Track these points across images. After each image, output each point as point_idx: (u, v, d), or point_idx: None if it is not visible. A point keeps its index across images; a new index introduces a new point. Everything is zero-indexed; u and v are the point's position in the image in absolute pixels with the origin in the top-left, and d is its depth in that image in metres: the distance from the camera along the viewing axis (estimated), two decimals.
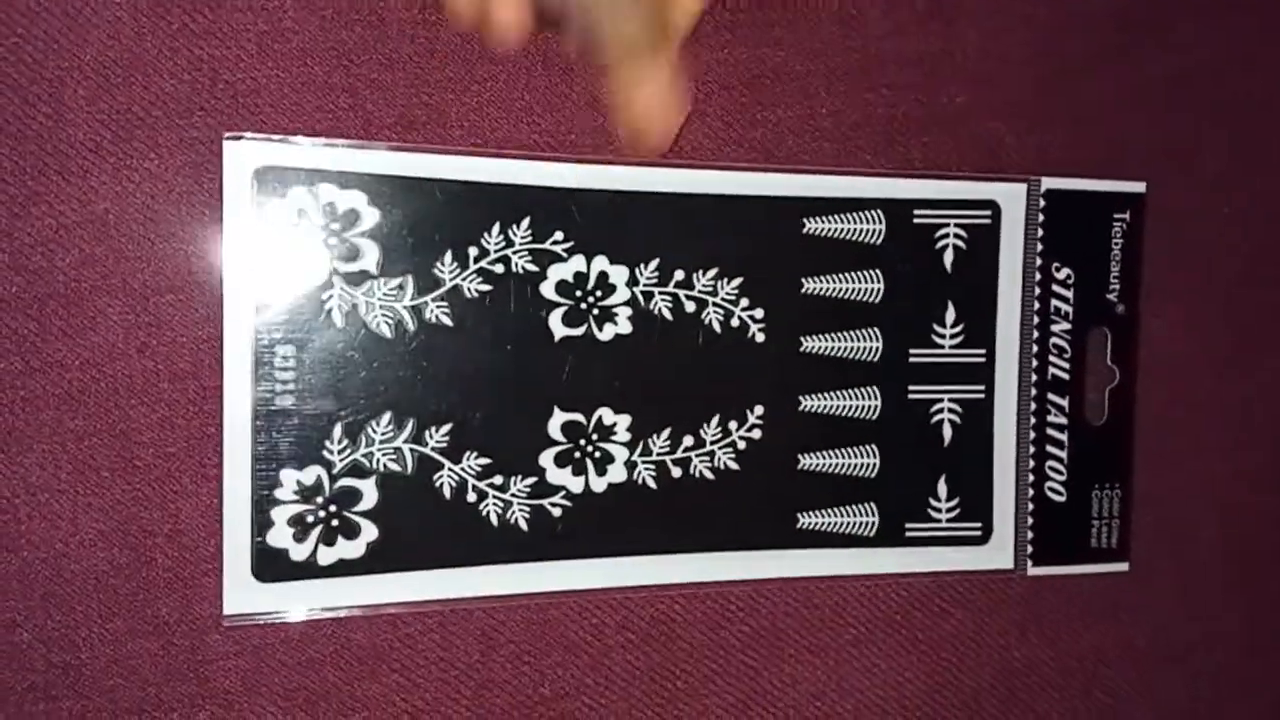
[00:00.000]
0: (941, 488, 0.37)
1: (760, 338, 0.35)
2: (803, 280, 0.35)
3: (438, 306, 0.32)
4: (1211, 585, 0.40)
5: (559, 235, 0.33)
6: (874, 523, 0.36)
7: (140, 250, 0.31)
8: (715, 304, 0.34)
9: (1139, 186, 0.38)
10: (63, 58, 0.30)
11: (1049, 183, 0.37)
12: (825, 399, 0.35)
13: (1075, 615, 0.39)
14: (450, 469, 0.32)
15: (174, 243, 0.31)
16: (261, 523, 0.31)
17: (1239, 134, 0.39)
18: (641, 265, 0.34)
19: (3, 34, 0.30)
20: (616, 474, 0.34)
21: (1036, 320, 0.37)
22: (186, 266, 0.31)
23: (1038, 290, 0.37)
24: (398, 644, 0.33)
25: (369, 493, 0.32)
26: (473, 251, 0.32)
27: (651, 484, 0.34)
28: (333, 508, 0.32)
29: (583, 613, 0.34)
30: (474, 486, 0.33)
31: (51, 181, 0.30)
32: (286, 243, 0.31)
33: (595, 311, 0.33)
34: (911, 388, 0.36)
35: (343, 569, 0.32)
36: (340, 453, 0.32)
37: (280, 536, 0.31)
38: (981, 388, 0.37)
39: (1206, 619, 0.40)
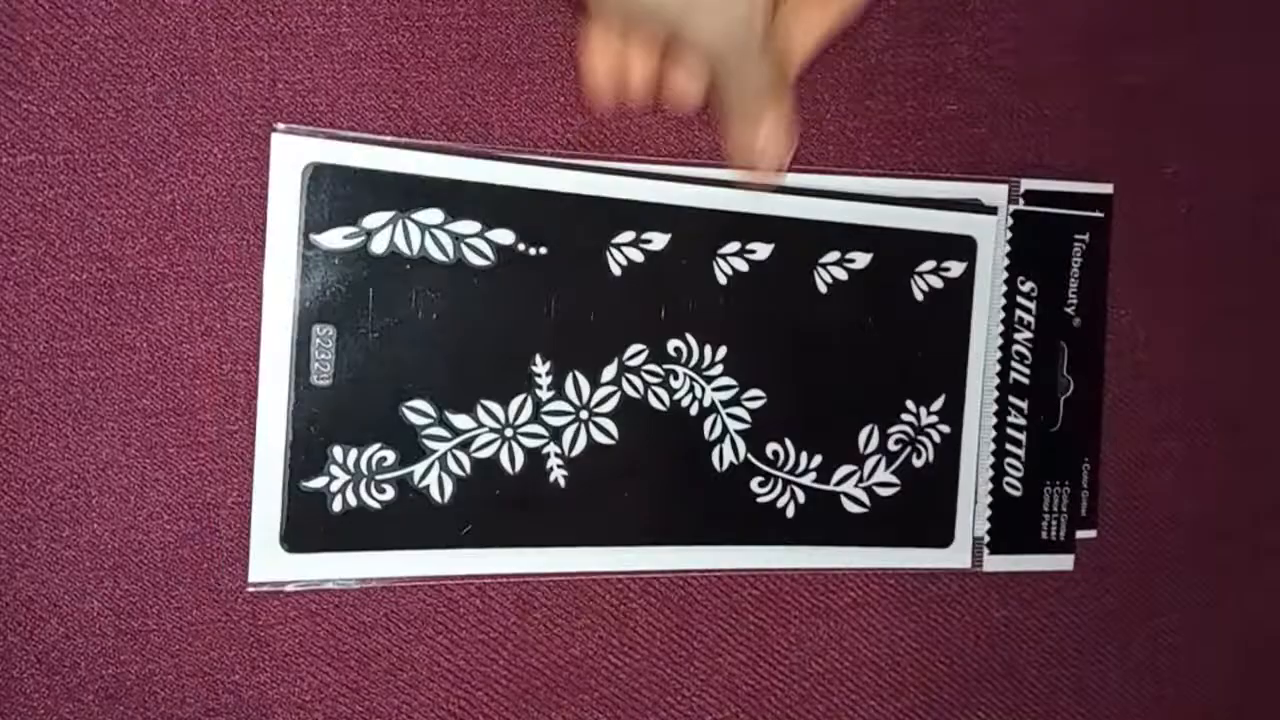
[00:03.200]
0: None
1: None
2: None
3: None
4: (1176, 551, 0.44)
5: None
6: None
7: (205, 239, 0.33)
8: None
9: (1107, 188, 0.42)
10: (133, 56, 0.32)
11: (1015, 207, 0.40)
12: None
13: (1047, 579, 0.42)
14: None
15: (237, 233, 0.33)
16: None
17: (1202, 141, 0.43)
18: None
19: (77, 33, 0.31)
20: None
21: (1001, 329, 0.41)
22: (248, 255, 0.33)
23: (1003, 300, 0.41)
24: (441, 609, 0.35)
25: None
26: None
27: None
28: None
29: (608, 580, 0.37)
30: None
31: (122, 173, 0.32)
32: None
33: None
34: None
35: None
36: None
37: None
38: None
39: (1167, 582, 0.44)
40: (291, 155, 0.33)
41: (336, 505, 0.34)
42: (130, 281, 0.32)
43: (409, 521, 0.34)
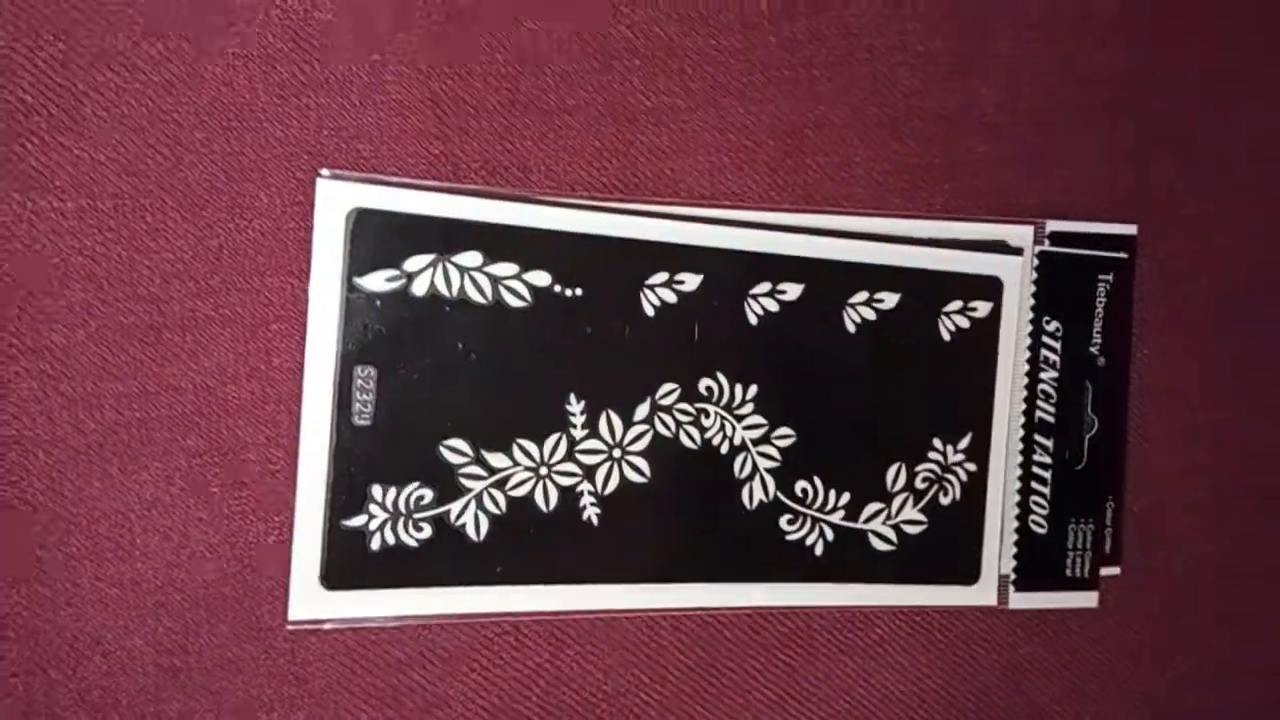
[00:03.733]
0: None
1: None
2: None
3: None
4: (1199, 593, 0.45)
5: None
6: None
7: (250, 282, 0.33)
8: None
9: (1130, 229, 0.42)
10: (181, 103, 0.32)
11: (1041, 248, 0.41)
12: None
13: (1067, 617, 0.43)
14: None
15: (281, 276, 0.33)
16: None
17: (1225, 183, 0.44)
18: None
19: (128, 80, 0.32)
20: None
21: (1027, 368, 0.41)
22: (292, 298, 0.33)
23: (1029, 340, 0.41)
24: (475, 646, 0.36)
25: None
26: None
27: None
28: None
29: (639, 617, 0.37)
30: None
31: (169, 217, 0.32)
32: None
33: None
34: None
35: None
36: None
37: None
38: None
39: (1193, 622, 0.45)
40: (336, 200, 0.33)
41: (375, 544, 0.34)
42: (177, 324, 0.33)
43: (446, 559, 0.35)
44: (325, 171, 0.33)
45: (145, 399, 0.33)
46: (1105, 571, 0.43)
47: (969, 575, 0.41)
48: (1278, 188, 0.45)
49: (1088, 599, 0.43)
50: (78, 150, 0.32)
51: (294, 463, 0.33)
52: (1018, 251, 0.40)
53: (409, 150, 0.34)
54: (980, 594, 0.41)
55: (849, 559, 0.39)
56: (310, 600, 0.34)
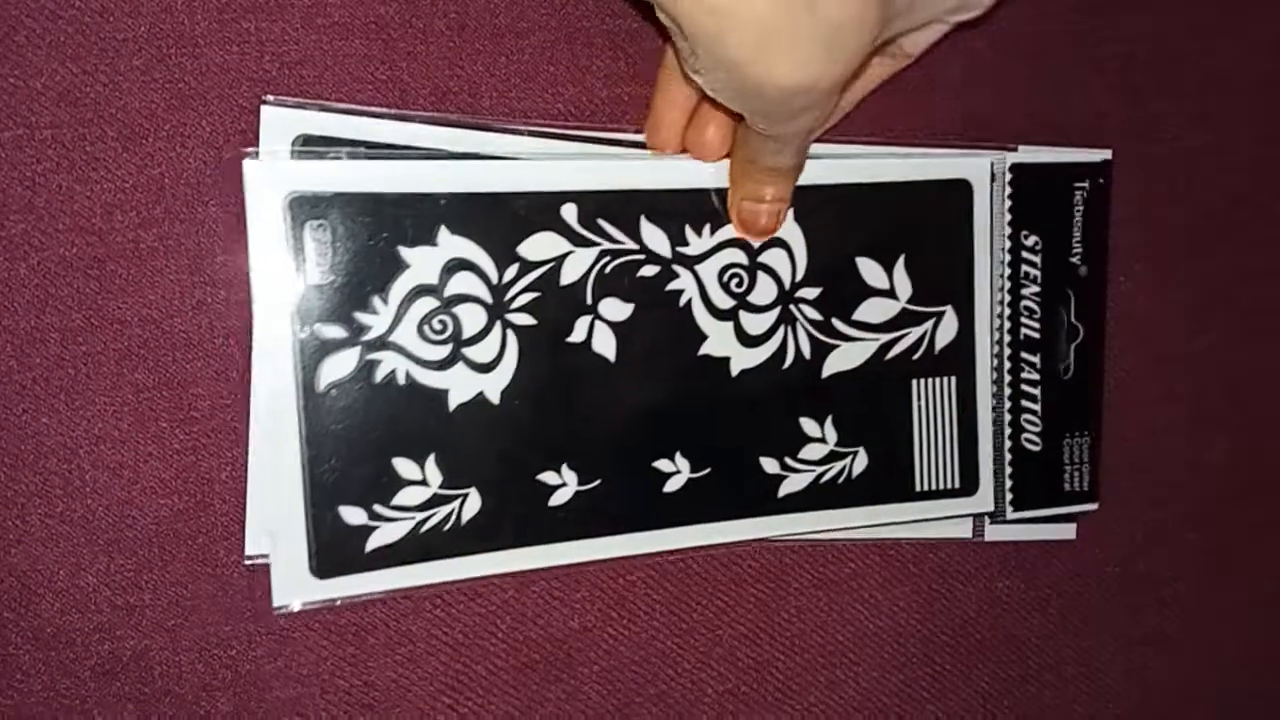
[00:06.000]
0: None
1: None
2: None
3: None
4: (1178, 521, 0.44)
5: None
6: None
7: (194, 212, 0.32)
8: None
9: (1105, 154, 0.41)
10: (119, 30, 0.32)
11: (1013, 157, 0.40)
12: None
13: (1048, 548, 0.42)
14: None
15: (226, 205, 0.33)
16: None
17: (1200, 108, 0.43)
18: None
19: (63, 6, 0.31)
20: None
21: (1008, 285, 0.40)
22: (238, 228, 0.33)
23: (1008, 257, 0.40)
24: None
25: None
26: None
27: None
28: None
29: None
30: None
31: (109, 147, 0.32)
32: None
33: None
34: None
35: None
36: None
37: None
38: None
39: (1172, 550, 0.44)
40: (281, 126, 0.32)
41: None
42: (120, 255, 0.32)
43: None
44: (270, 97, 0.32)
45: (90, 333, 0.32)
46: (1082, 508, 0.42)
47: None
48: (1253, 114, 0.44)
49: (1066, 531, 0.42)
50: (13, 79, 0.31)
51: (244, 397, 0.33)
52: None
53: (355, 75, 0.33)
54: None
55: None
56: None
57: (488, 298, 0.34)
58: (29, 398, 0.32)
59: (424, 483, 0.34)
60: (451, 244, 0.33)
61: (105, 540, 0.32)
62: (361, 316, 0.33)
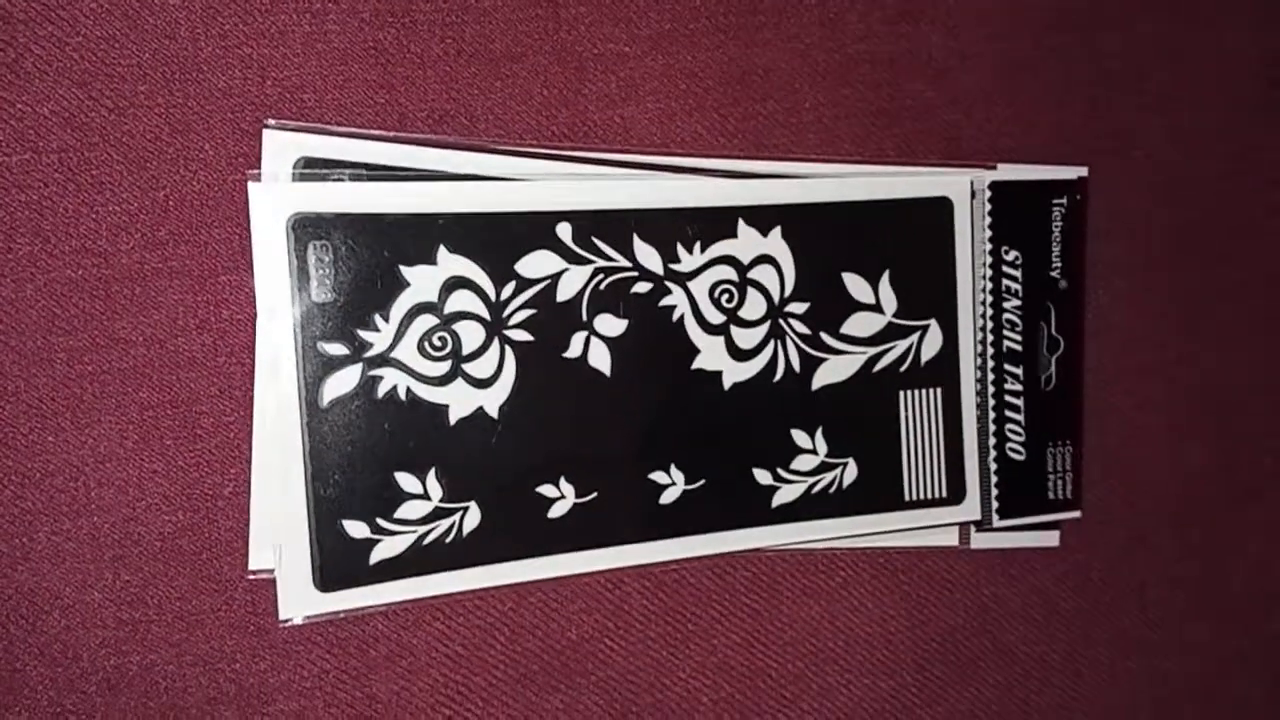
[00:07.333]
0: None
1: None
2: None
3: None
4: (1160, 527, 0.45)
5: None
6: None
7: (197, 234, 0.33)
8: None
9: (1081, 171, 0.43)
10: (124, 56, 0.32)
11: (992, 175, 0.41)
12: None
13: (1033, 555, 0.43)
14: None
15: (229, 227, 0.33)
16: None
17: (1173, 122, 0.44)
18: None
19: (69, 34, 0.32)
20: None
21: (990, 299, 0.41)
22: (241, 248, 0.33)
23: (990, 272, 0.42)
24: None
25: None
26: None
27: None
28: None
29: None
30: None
31: (115, 170, 0.32)
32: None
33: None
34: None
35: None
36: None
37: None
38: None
39: (1153, 555, 0.45)
40: (283, 149, 0.33)
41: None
42: (125, 276, 0.33)
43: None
44: (271, 121, 0.33)
45: (96, 352, 0.32)
46: (1065, 515, 0.43)
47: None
48: (1225, 128, 0.45)
49: (1050, 538, 0.43)
50: (20, 104, 0.32)
51: (248, 414, 0.33)
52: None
53: (354, 100, 0.34)
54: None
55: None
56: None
57: (486, 315, 0.35)
58: (36, 416, 0.32)
59: (425, 496, 0.34)
60: (450, 263, 0.34)
61: (111, 556, 0.33)
62: (363, 334, 0.34)
